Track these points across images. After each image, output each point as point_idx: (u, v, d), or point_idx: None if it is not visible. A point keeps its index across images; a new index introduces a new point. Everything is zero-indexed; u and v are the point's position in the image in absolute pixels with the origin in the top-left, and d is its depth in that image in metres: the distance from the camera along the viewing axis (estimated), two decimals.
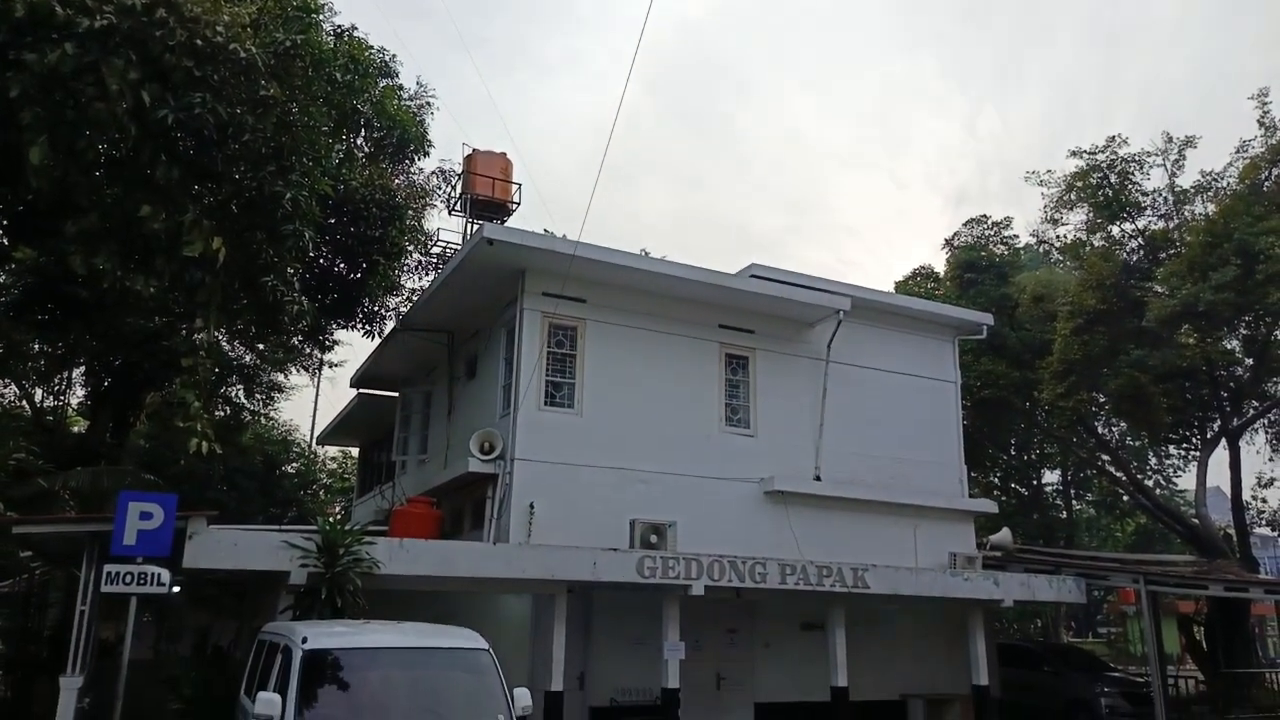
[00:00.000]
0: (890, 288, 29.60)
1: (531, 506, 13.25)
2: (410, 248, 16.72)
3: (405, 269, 17.63)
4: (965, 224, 30.17)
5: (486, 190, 19.96)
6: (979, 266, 27.97)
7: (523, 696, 6.89)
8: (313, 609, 9.68)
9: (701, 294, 15.10)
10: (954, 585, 14.15)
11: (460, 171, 20.17)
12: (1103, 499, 36.51)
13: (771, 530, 14.92)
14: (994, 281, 27.12)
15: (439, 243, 19.33)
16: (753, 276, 15.72)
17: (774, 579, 12.66)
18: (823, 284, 16.18)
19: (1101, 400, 24.21)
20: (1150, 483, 30.39)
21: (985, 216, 29.48)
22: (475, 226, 18.46)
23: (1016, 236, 29.28)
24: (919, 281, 30.08)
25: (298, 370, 20.77)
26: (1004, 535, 18.26)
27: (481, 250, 13.51)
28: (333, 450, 35.48)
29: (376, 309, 16.73)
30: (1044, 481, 35.95)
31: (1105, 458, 27.76)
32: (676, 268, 14.71)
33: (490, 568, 11.17)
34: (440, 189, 19.00)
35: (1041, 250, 27.43)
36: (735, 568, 12.42)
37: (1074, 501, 37.79)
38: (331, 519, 10.90)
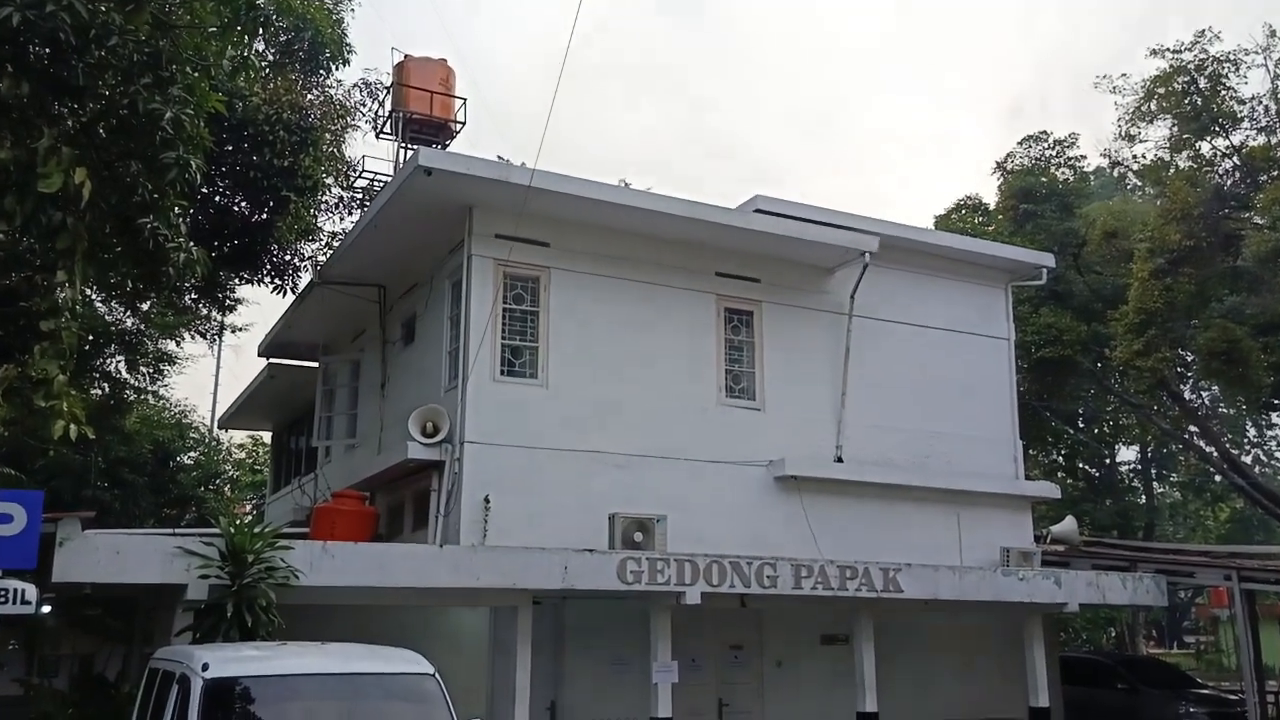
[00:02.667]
0: (929, 224, 29.66)
1: (486, 500, 13.31)
2: (328, 180, 16.56)
3: (323, 207, 17.50)
4: (1021, 143, 30.23)
5: (422, 107, 19.76)
6: (1037, 195, 28.04)
7: None
8: (217, 630, 9.73)
9: (694, 234, 15.07)
10: (1007, 587, 14.38)
11: (389, 84, 19.95)
12: (1190, 480, 37.06)
13: (783, 524, 15.06)
14: (1056, 214, 27.22)
15: (365, 174, 19.18)
16: (757, 212, 15.70)
17: (786, 583, 12.81)
18: (844, 220, 16.19)
19: (1188, 359, 24.47)
20: (1248, 459, 30.87)
21: (1045, 134, 29.53)
22: (409, 152, 18.30)
23: (1084, 158, 29.39)
24: (964, 215, 30.14)
25: (192, 336, 20.65)
26: (1068, 525, 18.53)
27: (417, 182, 13.41)
28: (239, 435, 35.51)
29: (288, 258, 16.61)
30: (1118, 460, 36.42)
31: (1193, 429, 28.11)
32: (662, 201, 14.67)
33: (437, 575, 11.24)
34: (365, 106, 18.79)
35: (1115, 174, 27.53)
36: (739, 570, 12.56)
37: (1155, 483, 38.36)
38: (239, 520, 10.91)
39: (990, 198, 30.67)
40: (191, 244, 8.67)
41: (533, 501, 13.54)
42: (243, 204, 15.58)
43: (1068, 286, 26.53)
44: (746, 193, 17.24)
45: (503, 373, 14.03)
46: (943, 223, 29.75)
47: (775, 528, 14.94)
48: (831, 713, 14.68)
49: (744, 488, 15.10)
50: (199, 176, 8.49)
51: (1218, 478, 32.51)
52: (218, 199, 15.36)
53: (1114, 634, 35.32)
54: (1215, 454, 27.33)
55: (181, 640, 9.79)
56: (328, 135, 15.94)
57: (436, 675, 7.19)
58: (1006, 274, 18.22)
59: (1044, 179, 28.68)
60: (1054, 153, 29.32)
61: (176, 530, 14.98)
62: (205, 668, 6.84)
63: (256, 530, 10.51)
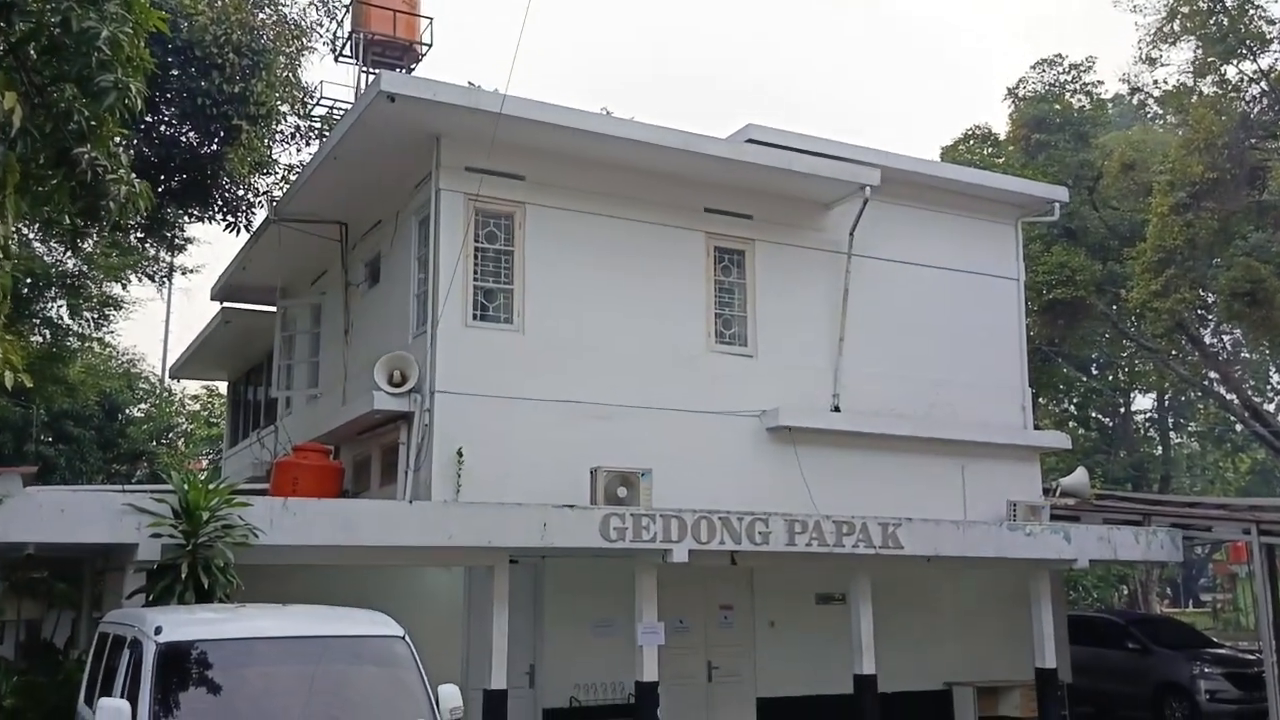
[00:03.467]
0: (934, 156, 29.54)
1: (460, 453, 13.33)
2: (283, 108, 16.36)
3: (278, 138, 17.32)
4: (1034, 67, 30.02)
5: (385, 27, 19.51)
6: (1051, 125, 27.97)
7: (451, 696, 7.04)
8: (171, 592, 9.74)
9: (681, 166, 14.98)
10: (1013, 542, 14.55)
11: (349, 2, 19.61)
12: (1209, 429, 37.49)
13: (776, 477, 15.17)
14: (1070, 144, 27.18)
15: (323, 101, 18.97)
16: (749, 142, 15.58)
17: (780, 539, 12.92)
18: (843, 151, 16.10)
19: (1209, 300, 24.58)
20: (1271, 407, 31.16)
21: (1060, 57, 29.43)
22: (371, 77, 18.06)
23: (1101, 83, 29.31)
24: (972, 146, 30.05)
25: (139, 279, 20.52)
26: (1079, 478, 18.71)
27: (380, 109, 13.23)
28: (193, 386, 35.44)
29: (241, 193, 16.47)
30: (1133, 409, 36.75)
31: (1213, 375, 28.34)
32: (647, 130, 14.54)
33: (407, 534, 11.28)
34: (322, 27, 18.48)
35: (1134, 101, 27.47)
36: (729, 526, 12.65)
37: (1172, 433, 38.78)
38: (193, 475, 10.88)
39: (1000, 127, 30.56)
40: (134, 176, 8.53)
41: (509, 454, 13.56)
42: (190, 134, 15.40)
43: (1082, 223, 26.56)
44: (734, 123, 17.16)
45: (475, 317, 13.98)
46: (950, 154, 29.67)
47: (768, 481, 15.04)
48: (827, 675, 14.90)
49: (735, 439, 15.16)
50: (140, 102, 8.33)
51: (1238, 427, 32.88)
52: (163, 128, 15.18)
53: (1126, 592, 35.89)
54: (1236, 401, 27.59)
55: (133, 603, 9.82)
56: (282, 58, 15.72)
57: (406, 638, 7.24)
58: (1016, 209, 18.20)
59: (1058, 106, 28.58)
60: (1069, 78, 29.21)
61: (126, 487, 14.98)
62: (158, 631, 6.85)
63: (212, 486, 10.50)
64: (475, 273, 14.05)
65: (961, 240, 17.56)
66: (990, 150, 29.93)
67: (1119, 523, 16.65)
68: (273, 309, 19.51)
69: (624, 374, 14.55)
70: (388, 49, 19.59)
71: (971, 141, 30.45)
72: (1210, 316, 26.55)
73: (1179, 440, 40.20)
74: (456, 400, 13.52)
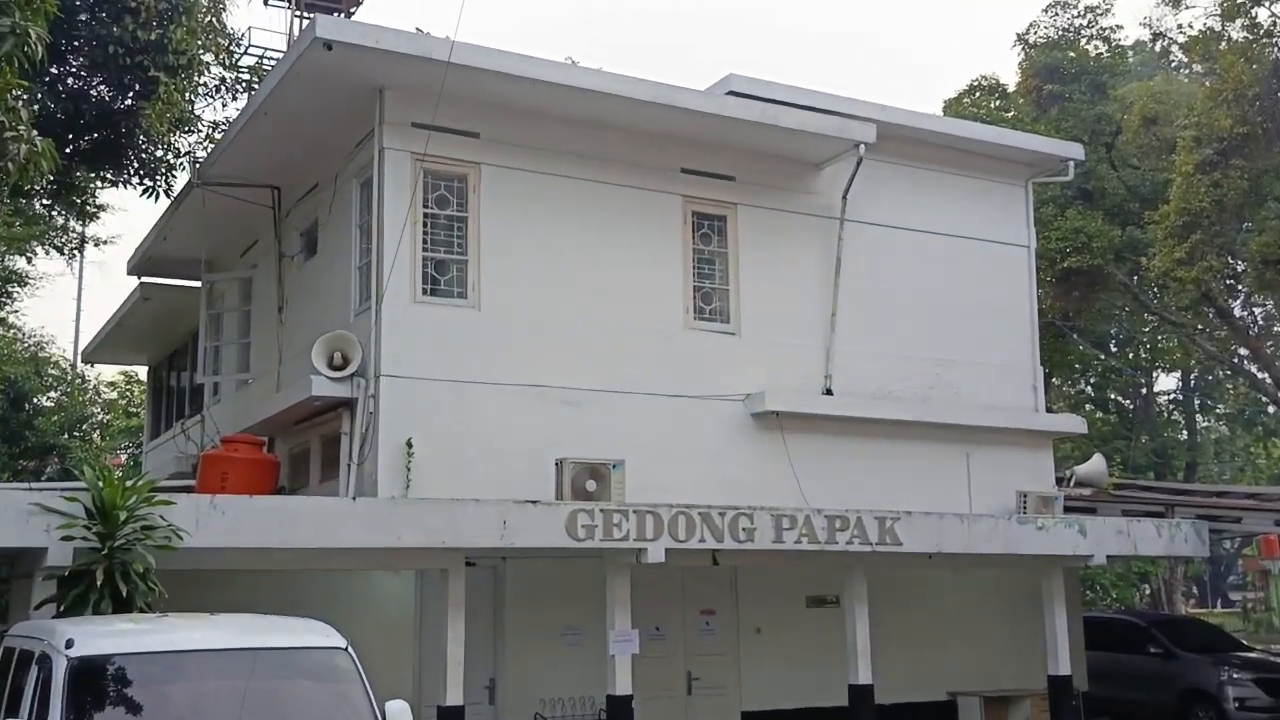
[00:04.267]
0: (936, 110, 29.63)
1: (409, 444, 13.32)
2: (206, 58, 16.22)
3: (201, 91, 17.17)
4: (1046, 10, 30.10)
5: None
6: (1065, 74, 28.10)
7: (400, 714, 7.04)
8: (85, 600, 9.68)
9: (654, 122, 14.96)
10: (1023, 537, 14.69)
11: None
12: (1238, 412, 37.89)
13: (762, 468, 15.23)
14: (1086, 96, 27.33)
15: (251, 49, 18.79)
16: (730, 95, 15.57)
17: (766, 536, 12.99)
18: (834, 104, 16.12)
19: (1239, 268, 24.82)
20: None
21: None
22: (305, 23, 17.89)
23: (1120, 28, 29.57)
24: (978, 99, 30.17)
25: (46, 251, 20.33)
26: (1095, 466, 18.90)
27: (316, 58, 13.13)
28: (109, 371, 35.18)
29: (160, 154, 16.35)
30: (1155, 389, 37.12)
31: (1242, 352, 28.65)
32: (615, 82, 14.50)
33: (350, 534, 11.26)
34: None
35: (1156, 48, 27.60)
36: (709, 522, 12.70)
37: (1198, 416, 39.20)
38: (110, 471, 10.80)
39: (1009, 78, 30.70)
40: (35, 134, 8.46)
41: (464, 445, 13.55)
42: (101, 87, 15.25)
43: (1099, 183, 26.74)
44: (714, 74, 17.06)
45: (425, 291, 13.93)
46: (953, 108, 29.76)
47: (753, 472, 15.09)
48: (819, 686, 15.00)
49: (716, 426, 15.20)
50: (43, 51, 8.26)
51: (1270, 409, 33.23)
52: (70, 81, 15.02)
53: (1148, 592, 36.33)
54: (1268, 381, 27.87)
55: (42, 614, 9.76)
56: (204, 1, 15.55)
57: (350, 649, 7.24)
58: (1027, 169, 18.29)
59: (1072, 54, 28.71)
60: (1085, 21, 29.33)
61: (34, 485, 14.85)
62: (69, 644, 6.82)
63: (131, 483, 10.43)
64: (424, 242, 13.99)
65: (966, 203, 17.63)
66: (998, 103, 30.05)
67: (1139, 515, 16.84)
68: (197, 284, 19.38)
69: (592, 354, 14.55)
70: None
71: (977, 94, 30.55)
72: (1240, 287, 26.80)
73: (1205, 424, 40.65)
74: (405, 385, 13.48)
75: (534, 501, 12.19)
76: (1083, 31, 29.25)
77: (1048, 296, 25.49)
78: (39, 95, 14.03)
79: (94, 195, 17.43)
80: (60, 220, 18.81)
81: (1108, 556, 15.43)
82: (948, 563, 15.09)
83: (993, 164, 17.87)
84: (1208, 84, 23.34)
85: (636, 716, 12.74)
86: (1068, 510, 16.29)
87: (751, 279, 15.86)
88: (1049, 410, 19.25)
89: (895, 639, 15.42)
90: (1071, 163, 18.52)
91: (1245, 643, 22.35)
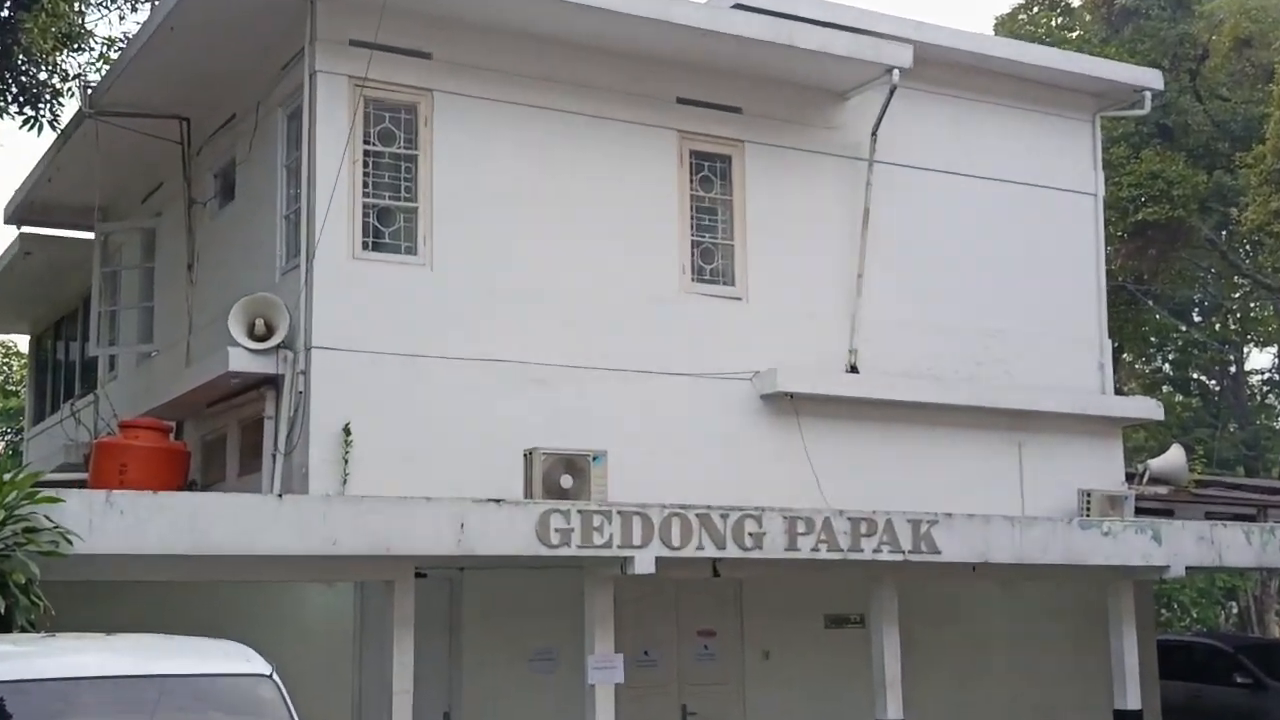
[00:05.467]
0: (986, 29, 29.58)
1: (347, 431, 13.33)
2: None
3: (93, 3, 17.00)
4: None
5: None
6: None
7: None
8: None
9: (646, 40, 14.95)
10: (1086, 544, 14.71)
11: None
12: None
13: (773, 460, 15.29)
14: (1167, 13, 27.29)
15: None
16: (737, 7, 15.55)
17: (777, 542, 13.00)
18: (862, 21, 16.11)
19: None
20: None
21: None
22: None
23: None
24: (1036, 15, 30.17)
25: None
26: (1173, 459, 18.99)
27: None
28: None
29: (44, 78, 16.24)
30: (1247, 367, 37.25)
31: None
32: None
33: (276, 539, 11.21)
34: None
35: None
36: (709, 525, 12.71)
37: None
38: None
39: None
40: None
41: (413, 432, 13.57)
42: None
43: (1181, 119, 26.75)
44: None
45: (366, 246, 13.92)
46: (1006, 26, 29.73)
47: (762, 466, 15.14)
48: None
49: (718, 410, 15.24)
50: None
51: None
52: None
53: (1234, 610, 36.53)
54: None
55: None
56: None
57: (275, 676, 7.20)
58: (1094, 100, 18.30)
59: None
60: None
61: None
62: None
63: (10, 475, 10.42)
64: (366, 185, 13.97)
65: (1021, 142, 17.64)
66: (1061, 21, 30.03)
67: (1226, 518, 16.91)
68: (90, 236, 19.33)
69: (569, 323, 14.56)
70: None
71: (1036, 9, 30.53)
72: None
73: None
74: (341, 359, 13.47)
75: (498, 500, 12.15)
76: None
77: (1118, 255, 25.53)
78: None
79: None
80: None
81: (1186, 568, 15.44)
82: (995, 575, 15.15)
83: (1053, 94, 17.89)
84: None
85: None
86: (1139, 513, 16.37)
87: (761, 233, 15.86)
88: (1119, 392, 19.31)
89: (931, 667, 15.50)
90: (1148, 93, 18.53)
91: None
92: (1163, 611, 29.37)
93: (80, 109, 16.53)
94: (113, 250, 18.62)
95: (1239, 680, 19.29)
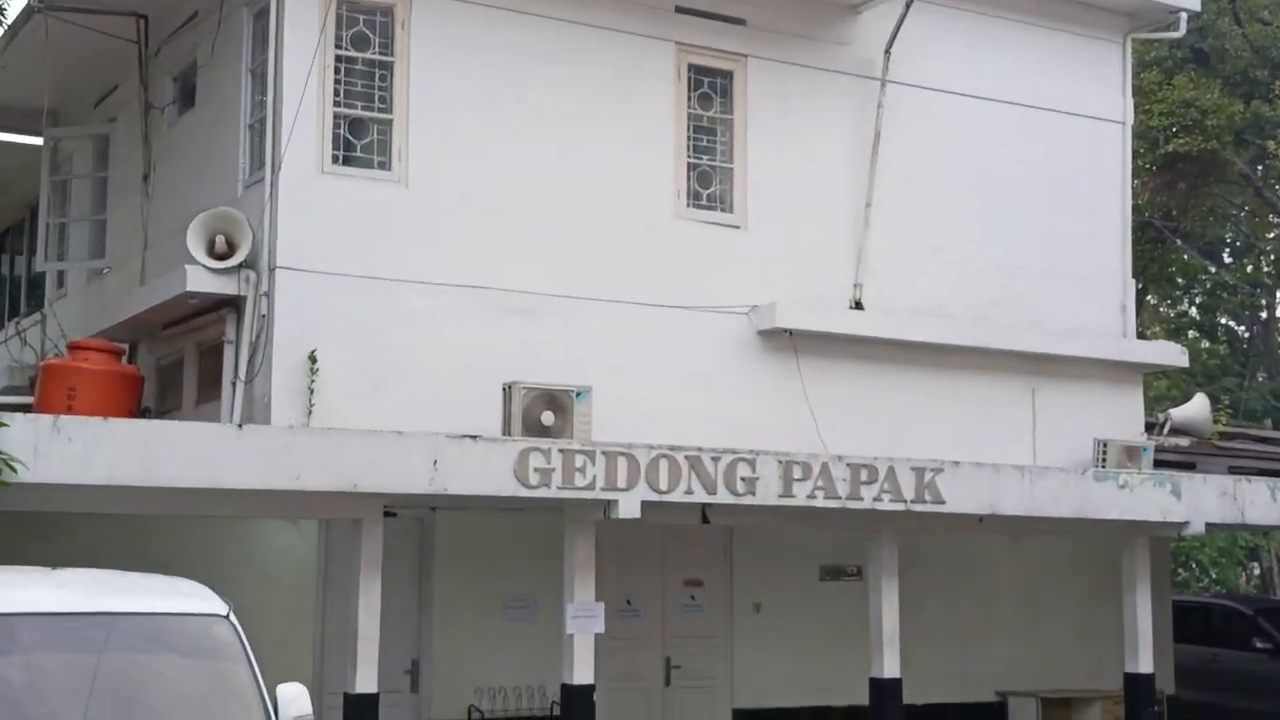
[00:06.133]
0: None
1: (313, 359, 13.30)
2: None
3: None
4: None
5: None
6: None
7: (295, 701, 7.03)
8: None
9: None
10: (1100, 497, 14.78)
11: None
12: None
13: (769, 401, 15.31)
14: None
15: None
16: None
17: (771, 488, 13.04)
18: None
19: None
20: None
21: None
22: None
23: None
24: None
25: None
26: (1197, 409, 19.03)
27: None
28: None
29: None
30: None
31: None
32: None
33: (235, 472, 11.22)
34: None
35: None
36: (699, 468, 12.74)
37: None
38: None
39: None
40: None
41: (384, 361, 13.56)
42: None
43: (1217, 43, 26.61)
44: None
45: (336, 159, 13.85)
46: None
47: (757, 407, 15.16)
48: (833, 679, 15.27)
49: (712, 346, 15.24)
50: None
51: None
52: None
53: (1256, 572, 36.79)
54: None
55: None
56: None
57: (232, 617, 7.22)
58: (1125, 20, 18.19)
59: None
60: None
61: None
62: None
63: None
64: (337, 94, 13.88)
65: (1044, 64, 17.54)
66: None
67: (1251, 472, 16.98)
68: (37, 141, 19.18)
69: (553, 249, 14.52)
70: None
71: None
72: None
73: None
74: (308, 280, 13.43)
75: (474, 436, 12.17)
76: None
77: (1146, 189, 25.48)
78: None
79: None
80: None
81: (1207, 525, 15.55)
82: (1003, 528, 15.23)
83: (1081, 12, 17.78)
84: None
85: (599, 711, 12.89)
86: (1159, 465, 16.41)
87: (763, 156, 15.79)
88: (1141, 336, 19.31)
89: (932, 623, 15.62)
90: (1183, 14, 18.42)
91: None
92: (1179, 571, 29.56)
93: (28, 4, 16.34)
94: (62, 158, 18.49)
95: (1258, 645, 19.43)
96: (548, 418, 12.94)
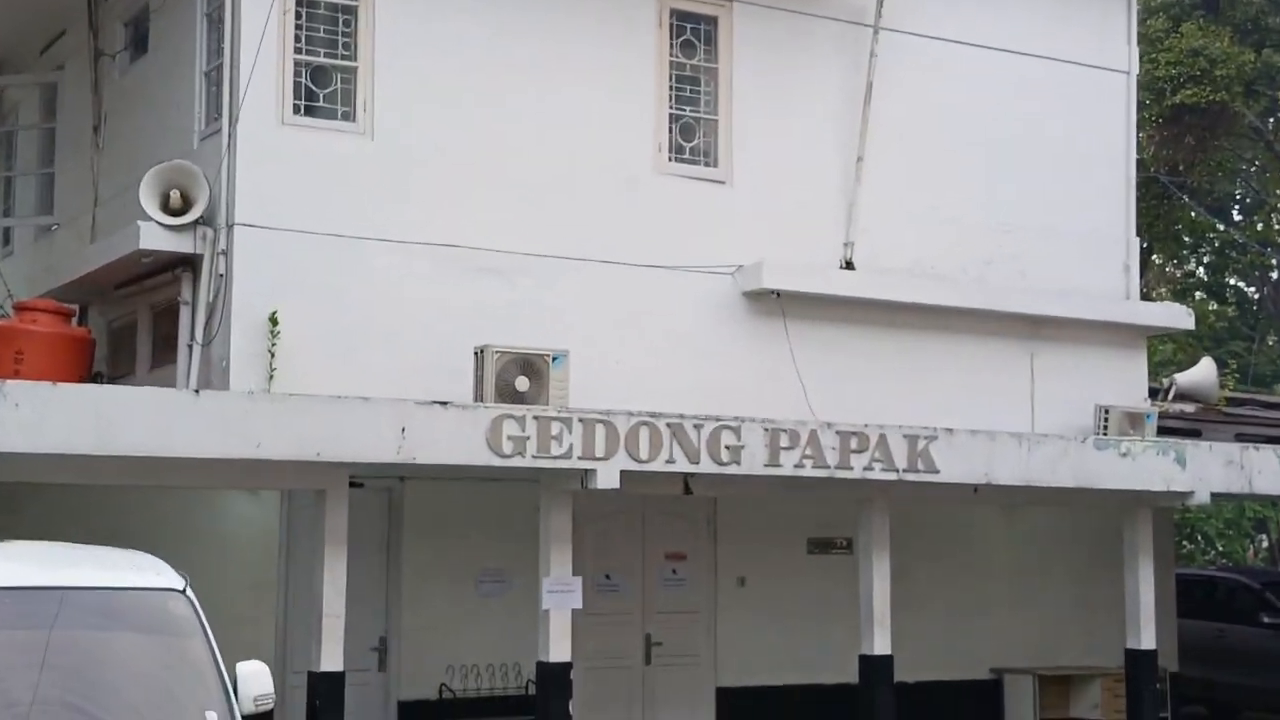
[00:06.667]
0: None
1: (273, 320, 13.28)
2: None
3: None
4: None
5: None
6: None
7: (256, 679, 7.06)
8: None
9: None
10: (1101, 465, 14.83)
11: None
12: None
13: (755, 365, 15.34)
14: None
15: None
16: None
17: (757, 457, 13.07)
18: None
19: None
20: None
21: None
22: None
23: None
24: None
25: None
26: (1203, 374, 19.08)
27: None
28: None
29: None
30: None
31: None
32: None
33: (191, 439, 11.20)
34: None
35: None
36: (681, 436, 12.76)
37: None
38: None
39: None
40: None
41: (350, 323, 13.55)
42: None
43: None
44: None
45: (298, 110, 13.82)
46: None
47: (742, 372, 15.20)
48: (821, 656, 15.33)
49: (694, 308, 15.26)
50: None
51: None
52: None
53: (1264, 544, 36.95)
54: None
55: None
56: None
57: (189, 591, 7.25)
58: None
59: None
60: None
61: None
62: None
63: None
64: (298, 40, 13.83)
65: (1045, 10, 17.56)
66: None
67: (1259, 440, 17.06)
68: None
69: (529, 205, 14.49)
70: None
71: None
72: None
73: None
74: (268, 238, 13.39)
75: (444, 403, 12.16)
76: None
77: (1151, 142, 25.49)
78: None
79: None
80: None
81: (1212, 494, 15.63)
82: (999, 499, 15.29)
83: None
84: None
85: (577, 690, 12.96)
86: (1163, 432, 16.48)
87: (749, 107, 15.78)
88: (1145, 298, 19.34)
89: (924, 598, 15.67)
90: None
91: None
92: (1184, 544, 29.67)
93: None
94: (8, 108, 18.47)
95: (1266, 620, 19.50)
96: (522, 383, 12.94)
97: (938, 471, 13.79)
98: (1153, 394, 18.18)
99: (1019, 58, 17.22)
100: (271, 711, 7.17)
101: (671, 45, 15.53)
